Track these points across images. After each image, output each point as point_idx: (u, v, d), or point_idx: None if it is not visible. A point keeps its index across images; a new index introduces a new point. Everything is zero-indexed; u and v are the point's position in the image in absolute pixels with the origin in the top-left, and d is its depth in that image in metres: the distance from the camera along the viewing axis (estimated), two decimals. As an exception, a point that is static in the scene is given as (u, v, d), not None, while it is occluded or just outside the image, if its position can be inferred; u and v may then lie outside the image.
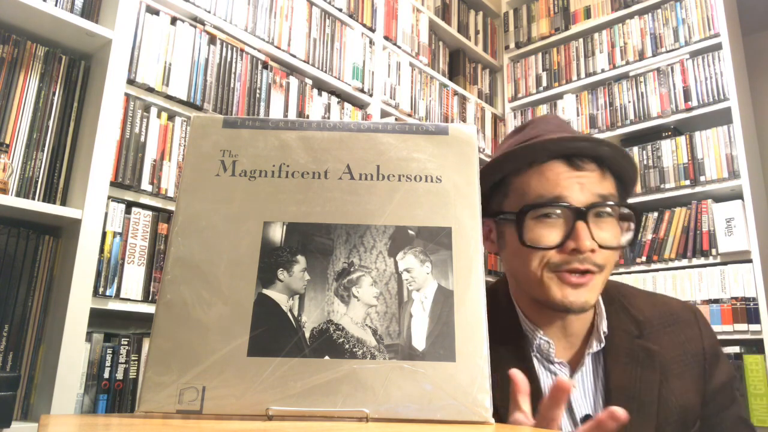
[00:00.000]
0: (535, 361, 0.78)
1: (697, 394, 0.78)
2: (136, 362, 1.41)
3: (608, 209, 0.75)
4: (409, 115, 2.49)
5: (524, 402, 0.55)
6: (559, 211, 0.73)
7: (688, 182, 2.39)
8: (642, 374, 0.76)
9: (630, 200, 1.68)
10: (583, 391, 0.77)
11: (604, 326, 0.79)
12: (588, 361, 0.78)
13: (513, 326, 0.80)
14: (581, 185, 0.73)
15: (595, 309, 0.80)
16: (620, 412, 0.51)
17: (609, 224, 0.74)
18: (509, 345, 0.78)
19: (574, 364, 0.78)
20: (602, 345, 0.78)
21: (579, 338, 0.80)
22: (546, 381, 0.77)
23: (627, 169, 0.78)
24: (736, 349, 2.15)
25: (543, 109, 2.96)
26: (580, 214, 0.71)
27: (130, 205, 1.47)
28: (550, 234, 0.72)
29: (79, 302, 1.29)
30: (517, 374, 0.56)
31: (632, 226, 0.77)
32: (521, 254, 0.75)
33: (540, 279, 0.74)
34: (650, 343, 0.78)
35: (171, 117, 1.63)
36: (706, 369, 0.79)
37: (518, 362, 0.76)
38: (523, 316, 0.80)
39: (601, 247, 0.72)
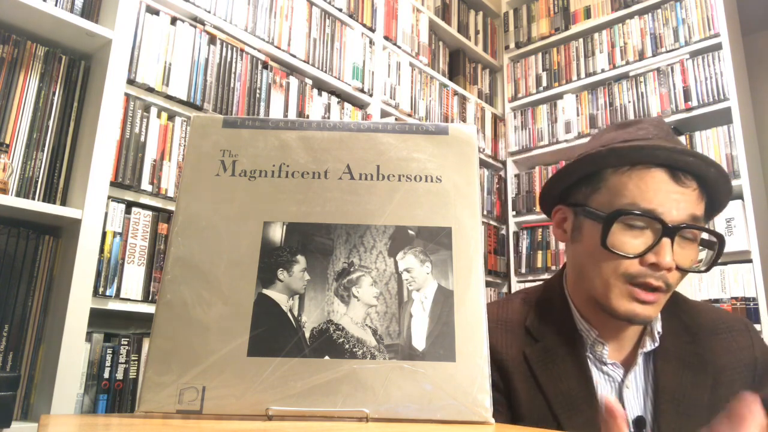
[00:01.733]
0: (588, 360, 0.77)
1: None
2: (136, 362, 1.41)
3: (695, 231, 0.72)
4: (409, 115, 2.49)
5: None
6: (649, 223, 0.70)
7: (688, 182, 2.38)
8: (693, 379, 0.75)
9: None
10: (635, 391, 0.76)
11: (658, 327, 0.78)
12: (640, 360, 0.77)
13: (567, 324, 0.79)
14: (678, 202, 0.70)
15: None
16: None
17: (690, 246, 0.72)
18: (562, 343, 0.78)
19: (627, 364, 0.78)
20: (655, 344, 0.77)
21: (632, 340, 0.79)
22: (599, 381, 0.77)
23: (722, 194, 0.75)
24: (736, 349, 2.15)
25: (543, 109, 2.96)
26: (669, 231, 0.69)
27: (130, 205, 1.47)
28: (633, 243, 0.70)
29: (79, 302, 1.28)
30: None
31: (709, 252, 0.75)
32: (597, 255, 0.73)
33: (609, 286, 0.72)
34: (702, 349, 0.78)
35: (171, 117, 1.63)
36: (756, 379, 0.78)
37: (571, 360, 0.76)
38: (579, 315, 0.79)
39: (677, 268, 0.70)
